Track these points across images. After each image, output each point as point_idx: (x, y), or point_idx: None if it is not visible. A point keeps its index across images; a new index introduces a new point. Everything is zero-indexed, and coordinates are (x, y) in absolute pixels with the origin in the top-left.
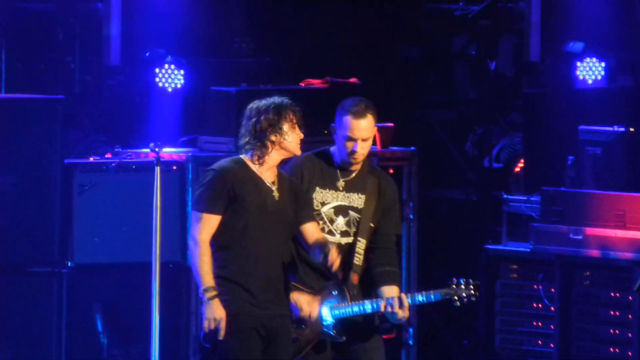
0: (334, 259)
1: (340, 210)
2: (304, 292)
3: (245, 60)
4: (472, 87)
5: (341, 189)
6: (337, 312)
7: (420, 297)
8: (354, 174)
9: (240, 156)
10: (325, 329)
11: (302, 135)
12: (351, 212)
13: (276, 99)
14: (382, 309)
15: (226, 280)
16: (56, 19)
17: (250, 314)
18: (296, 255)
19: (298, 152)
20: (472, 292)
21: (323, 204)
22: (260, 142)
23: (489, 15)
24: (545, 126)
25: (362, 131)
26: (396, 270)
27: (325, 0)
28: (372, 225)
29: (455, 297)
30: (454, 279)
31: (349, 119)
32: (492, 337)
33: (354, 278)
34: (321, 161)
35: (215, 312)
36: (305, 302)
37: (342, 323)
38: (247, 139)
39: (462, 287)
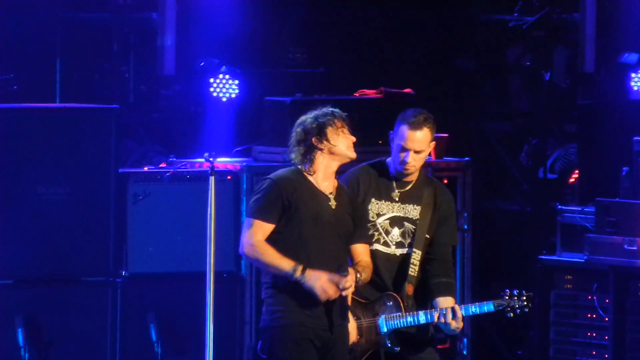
0: (347, 286)
1: (396, 221)
2: (358, 302)
3: (300, 71)
4: (526, 98)
5: (397, 199)
6: (391, 322)
7: (473, 308)
8: (409, 185)
9: (298, 166)
10: (381, 340)
11: (353, 138)
12: (406, 224)
13: (318, 110)
14: (436, 319)
15: (280, 290)
16: (111, 29)
17: (305, 324)
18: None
19: (351, 154)
20: (525, 303)
21: (378, 215)
22: (303, 151)
23: (543, 26)
24: (599, 137)
25: (416, 143)
26: (452, 281)
27: (380, 11)
28: (427, 236)
29: (508, 308)
30: (507, 290)
31: (405, 128)
32: (547, 348)
33: (409, 289)
34: (377, 172)
35: (317, 278)
36: (360, 314)
37: (397, 333)
38: (293, 153)
39: (515, 298)
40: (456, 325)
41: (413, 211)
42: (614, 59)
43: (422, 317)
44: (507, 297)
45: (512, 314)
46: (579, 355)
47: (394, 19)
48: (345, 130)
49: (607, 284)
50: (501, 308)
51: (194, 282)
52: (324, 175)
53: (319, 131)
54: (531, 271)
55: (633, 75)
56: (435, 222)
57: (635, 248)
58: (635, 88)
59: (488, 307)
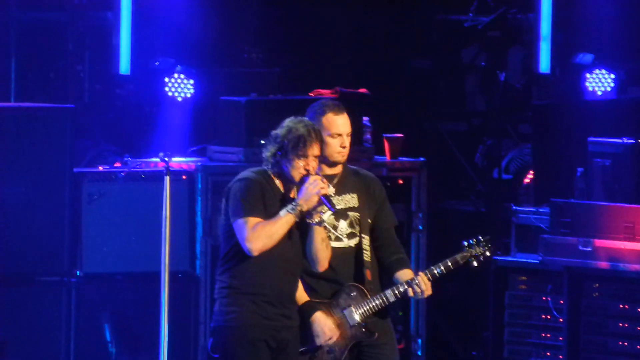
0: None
1: (340, 214)
2: (322, 304)
3: (255, 70)
4: (481, 98)
5: (332, 194)
6: (361, 310)
7: (437, 270)
8: (337, 177)
9: (265, 169)
10: (355, 331)
11: (310, 168)
12: (350, 213)
13: (302, 128)
14: (411, 293)
15: (236, 291)
16: (66, 27)
17: (259, 325)
18: (307, 273)
19: (295, 182)
20: (486, 247)
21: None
22: (283, 163)
23: (499, 26)
24: (554, 138)
25: (346, 125)
26: (403, 256)
27: (336, 11)
28: (369, 220)
29: (472, 258)
30: (465, 242)
31: (330, 118)
32: (501, 348)
33: (368, 274)
34: None
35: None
36: (328, 313)
37: (369, 321)
38: (272, 155)
39: (475, 246)
40: (427, 291)
41: (352, 200)
42: (569, 59)
43: (390, 296)
44: (467, 248)
45: (476, 263)
46: (534, 356)
47: (349, 18)
48: (308, 161)
49: (562, 284)
50: (463, 260)
51: (149, 282)
52: (290, 182)
53: (302, 150)
54: (486, 272)
55: (588, 75)
56: (373, 207)
57: (589, 249)
58: (590, 89)
59: (452, 262)
